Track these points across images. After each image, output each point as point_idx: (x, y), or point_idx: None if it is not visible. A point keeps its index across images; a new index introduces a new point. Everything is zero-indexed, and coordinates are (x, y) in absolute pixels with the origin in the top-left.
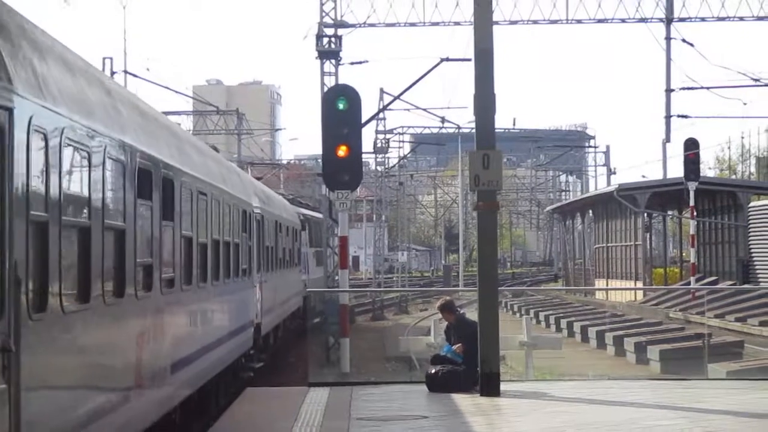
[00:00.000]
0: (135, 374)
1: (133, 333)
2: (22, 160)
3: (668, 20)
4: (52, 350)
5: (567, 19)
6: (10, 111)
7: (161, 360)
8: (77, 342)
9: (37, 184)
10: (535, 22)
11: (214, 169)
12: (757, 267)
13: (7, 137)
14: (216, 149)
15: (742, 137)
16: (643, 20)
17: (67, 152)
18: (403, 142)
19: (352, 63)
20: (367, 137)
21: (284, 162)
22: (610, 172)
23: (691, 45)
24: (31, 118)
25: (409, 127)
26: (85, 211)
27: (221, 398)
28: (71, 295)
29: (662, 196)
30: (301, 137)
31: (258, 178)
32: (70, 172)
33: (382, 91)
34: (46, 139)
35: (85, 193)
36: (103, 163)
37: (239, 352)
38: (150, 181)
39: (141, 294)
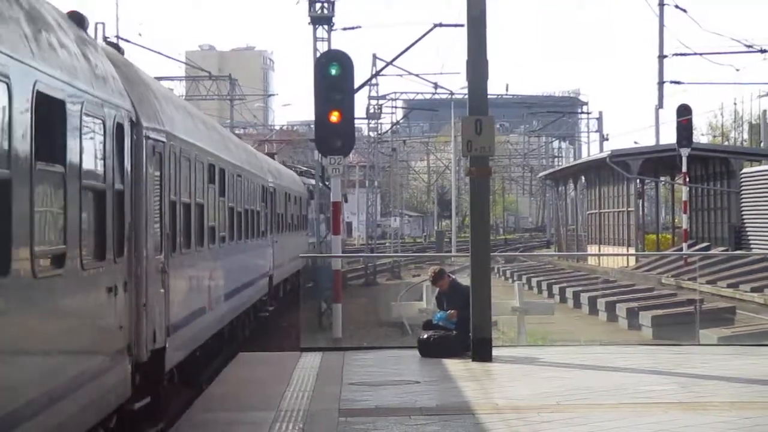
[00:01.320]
0: (208, 297)
1: (207, 270)
2: (168, 165)
3: None
4: (178, 273)
5: None
6: (163, 143)
7: (220, 291)
8: (186, 270)
9: (172, 180)
10: None
11: (243, 156)
12: (749, 233)
13: (166, 155)
14: (239, 137)
15: (735, 103)
16: None
17: (183, 160)
18: (395, 107)
19: (344, 29)
20: (360, 103)
21: (277, 128)
22: (603, 139)
23: (684, 11)
24: (171, 145)
25: (401, 92)
26: (188, 193)
27: (246, 330)
28: (184, 244)
29: (655, 162)
30: (293, 103)
31: (272, 155)
32: (184, 171)
33: (374, 56)
34: (175, 154)
35: (188, 182)
36: (197, 163)
37: (259, 295)
38: (214, 171)
39: (211, 246)
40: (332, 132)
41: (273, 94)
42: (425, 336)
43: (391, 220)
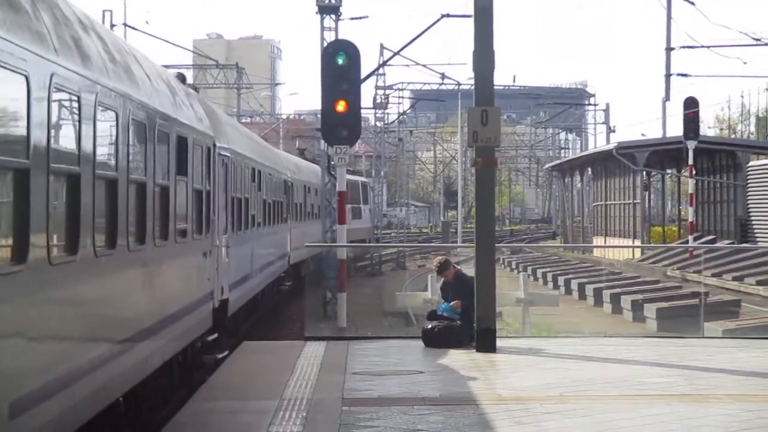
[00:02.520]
0: (251, 267)
1: (250, 248)
2: (230, 172)
3: None
4: (235, 248)
5: None
6: (228, 157)
7: (257, 263)
8: (240, 246)
9: (232, 181)
10: None
11: (271, 156)
12: (755, 226)
13: (229, 165)
14: (265, 140)
15: (742, 96)
16: None
17: (238, 167)
18: (402, 98)
19: (352, 18)
20: (367, 93)
21: (284, 117)
22: (610, 130)
23: (692, 3)
24: (232, 158)
25: (408, 83)
26: (240, 190)
27: (273, 298)
28: (238, 227)
29: (661, 155)
30: (300, 92)
31: (302, 150)
32: (239, 175)
33: (382, 46)
34: (234, 163)
35: (240, 183)
36: (246, 168)
37: (281, 271)
38: (254, 172)
39: (253, 229)
40: (338, 122)
41: (280, 83)
42: (429, 326)
43: (397, 210)
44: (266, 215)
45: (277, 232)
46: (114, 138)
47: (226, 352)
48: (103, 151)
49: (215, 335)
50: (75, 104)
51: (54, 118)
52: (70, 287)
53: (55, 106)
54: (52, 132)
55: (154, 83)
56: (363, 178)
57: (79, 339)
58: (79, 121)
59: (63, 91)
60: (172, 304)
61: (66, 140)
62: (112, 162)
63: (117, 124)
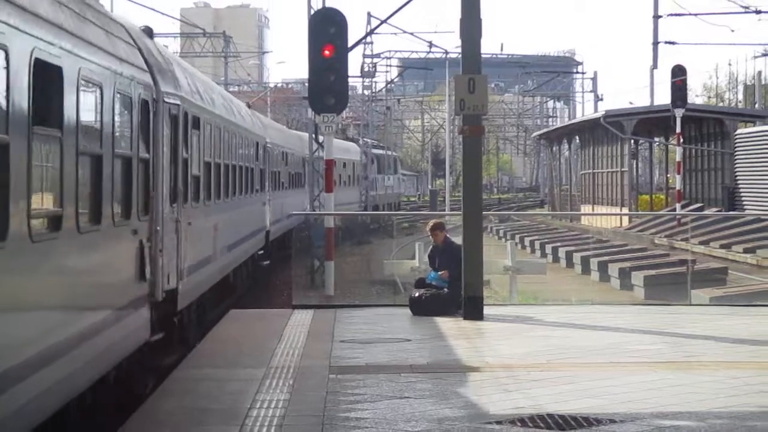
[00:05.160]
0: (281, 214)
1: (281, 203)
2: (271, 155)
3: None
4: (273, 200)
5: None
6: (271, 147)
7: (285, 213)
8: (275, 200)
9: (271, 161)
10: None
11: (294, 140)
12: (742, 194)
13: (270, 152)
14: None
15: (730, 64)
16: None
17: (274, 151)
18: (390, 66)
19: None
20: (355, 61)
21: (271, 85)
22: (598, 99)
23: None
24: (272, 147)
25: (396, 51)
26: (275, 166)
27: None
28: (277, 188)
29: (649, 123)
30: (288, 61)
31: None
32: (275, 157)
33: (369, 15)
34: (273, 150)
35: (275, 161)
36: (278, 152)
37: (297, 223)
38: (283, 154)
39: (281, 191)
40: (326, 90)
41: (267, 52)
42: (417, 294)
43: (384, 179)
44: (290, 182)
45: (296, 195)
46: (240, 147)
47: (268, 261)
48: (241, 155)
49: (262, 251)
50: (246, 142)
51: (247, 150)
52: (222, 210)
53: (253, 144)
54: (239, 151)
55: (245, 116)
56: (395, 153)
57: (230, 235)
58: (236, 145)
59: (234, 134)
60: (254, 226)
61: (240, 155)
62: (244, 157)
63: (242, 142)
